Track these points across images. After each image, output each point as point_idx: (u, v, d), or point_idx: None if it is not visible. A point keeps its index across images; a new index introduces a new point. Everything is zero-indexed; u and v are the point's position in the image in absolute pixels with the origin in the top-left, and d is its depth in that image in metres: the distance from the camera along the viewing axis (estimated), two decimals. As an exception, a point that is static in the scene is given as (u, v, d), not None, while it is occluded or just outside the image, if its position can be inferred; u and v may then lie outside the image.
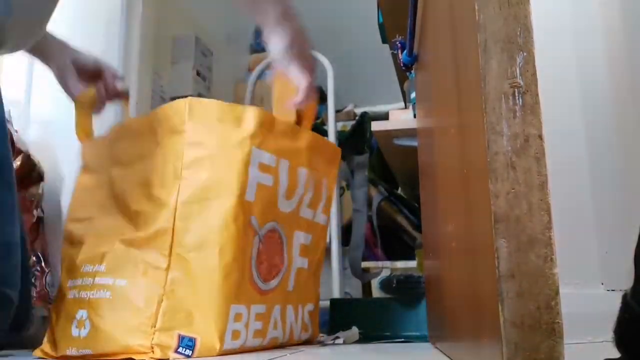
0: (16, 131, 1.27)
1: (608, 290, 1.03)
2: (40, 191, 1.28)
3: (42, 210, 1.28)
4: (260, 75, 2.05)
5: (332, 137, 1.69)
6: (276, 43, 0.89)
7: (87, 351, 0.78)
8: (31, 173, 1.26)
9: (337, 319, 1.17)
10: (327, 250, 1.61)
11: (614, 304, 0.49)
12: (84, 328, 0.78)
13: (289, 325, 0.93)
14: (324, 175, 1.01)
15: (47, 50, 0.97)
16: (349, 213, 1.70)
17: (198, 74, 2.39)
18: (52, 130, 1.40)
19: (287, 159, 0.90)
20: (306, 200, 0.96)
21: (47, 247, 1.27)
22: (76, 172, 0.97)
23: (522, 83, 0.41)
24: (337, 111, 1.93)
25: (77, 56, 0.99)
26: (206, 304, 0.77)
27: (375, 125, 1.30)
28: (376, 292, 1.71)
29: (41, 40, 0.94)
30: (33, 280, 1.18)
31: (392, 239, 1.66)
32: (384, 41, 1.51)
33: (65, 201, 1.33)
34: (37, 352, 0.85)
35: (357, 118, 1.87)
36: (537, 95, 0.41)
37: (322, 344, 1.02)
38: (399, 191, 1.86)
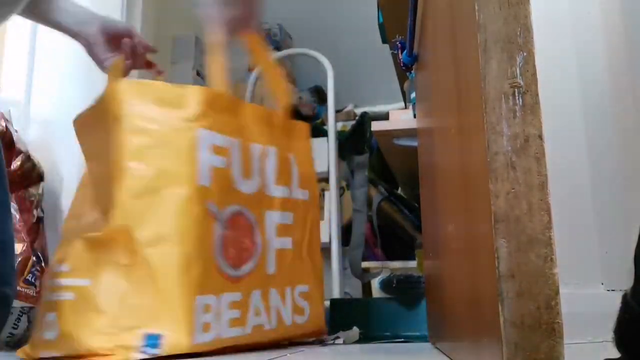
0: (16, 131, 1.27)
1: (608, 290, 1.03)
2: (40, 191, 1.28)
3: (42, 210, 1.28)
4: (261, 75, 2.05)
5: (332, 137, 1.69)
6: None
7: (57, 354, 0.75)
8: (31, 173, 1.26)
9: (337, 319, 1.17)
10: (327, 250, 1.61)
11: (614, 304, 0.49)
12: (53, 331, 0.76)
13: (275, 310, 0.89)
14: (288, 150, 0.97)
15: (73, 24, 0.95)
16: (349, 213, 1.70)
17: (198, 74, 2.39)
18: (52, 130, 1.40)
19: (237, 137, 0.86)
20: (270, 178, 0.92)
21: (47, 247, 1.27)
22: (77, 172, 0.96)
23: (522, 83, 0.41)
24: (337, 111, 1.93)
25: (106, 24, 0.96)
26: (170, 299, 0.74)
27: (375, 125, 1.30)
28: (376, 292, 1.71)
29: (64, 14, 0.92)
30: (33, 280, 1.18)
31: (392, 239, 1.66)
32: (384, 41, 1.51)
33: (66, 201, 1.34)
34: (20, 352, 0.83)
35: (357, 118, 1.86)
36: (537, 95, 0.41)
37: (322, 344, 1.02)
38: (399, 191, 1.86)
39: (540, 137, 0.40)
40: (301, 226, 0.97)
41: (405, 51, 1.11)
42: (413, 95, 1.28)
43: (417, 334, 1.10)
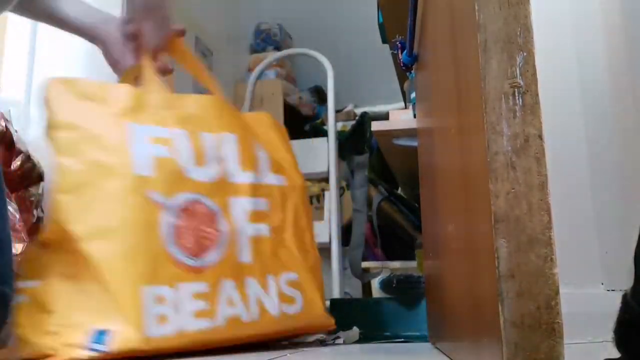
0: (16, 131, 1.27)
1: (608, 290, 1.04)
2: (40, 191, 1.28)
3: (42, 210, 1.28)
4: (260, 75, 2.06)
5: (332, 137, 1.69)
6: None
7: (18, 357, 0.74)
8: (31, 173, 1.26)
9: (337, 319, 1.17)
10: (327, 250, 1.61)
11: (614, 304, 0.49)
12: (14, 335, 0.75)
13: (254, 300, 0.85)
14: (252, 136, 0.96)
15: (90, 27, 0.95)
16: (349, 213, 1.70)
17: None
18: (52, 130, 1.40)
19: (182, 127, 0.86)
20: (233, 165, 0.90)
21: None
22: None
23: (522, 83, 0.41)
24: (337, 111, 1.94)
25: (123, 23, 0.96)
26: (115, 292, 0.73)
27: (375, 125, 1.30)
28: (376, 292, 1.71)
29: (77, 17, 0.93)
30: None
31: (392, 239, 1.66)
32: (384, 41, 1.51)
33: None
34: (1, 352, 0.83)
35: (357, 118, 1.87)
36: (537, 95, 0.41)
37: (322, 344, 1.02)
38: (399, 191, 1.86)
39: (540, 137, 0.40)
40: (279, 212, 0.95)
41: (405, 51, 1.11)
42: (413, 95, 1.28)
43: (417, 334, 1.09)
